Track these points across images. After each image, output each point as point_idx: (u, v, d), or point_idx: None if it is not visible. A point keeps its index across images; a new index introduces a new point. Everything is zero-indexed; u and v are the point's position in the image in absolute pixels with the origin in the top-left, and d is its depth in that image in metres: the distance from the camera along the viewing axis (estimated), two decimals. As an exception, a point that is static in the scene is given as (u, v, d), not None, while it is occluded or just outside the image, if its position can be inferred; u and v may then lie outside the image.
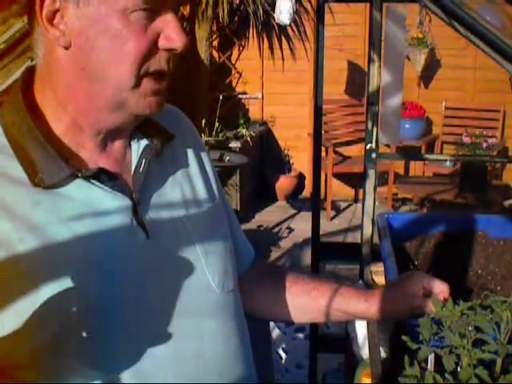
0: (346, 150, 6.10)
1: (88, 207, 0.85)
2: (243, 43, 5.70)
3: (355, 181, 5.89)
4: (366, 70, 1.63)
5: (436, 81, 5.95)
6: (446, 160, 5.09)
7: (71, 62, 0.83)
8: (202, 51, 5.28)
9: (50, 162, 0.83)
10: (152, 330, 0.88)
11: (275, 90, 6.13)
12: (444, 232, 1.48)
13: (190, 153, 1.03)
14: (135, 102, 0.85)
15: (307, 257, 3.05)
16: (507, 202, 4.71)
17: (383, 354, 1.25)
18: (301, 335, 2.56)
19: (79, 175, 0.84)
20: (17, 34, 1.90)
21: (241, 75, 6.22)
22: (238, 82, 6.24)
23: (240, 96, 6.21)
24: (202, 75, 5.42)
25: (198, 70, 5.38)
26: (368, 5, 1.60)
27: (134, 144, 0.94)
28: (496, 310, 0.85)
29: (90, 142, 0.88)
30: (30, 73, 0.89)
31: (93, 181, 0.86)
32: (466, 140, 5.12)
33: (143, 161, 0.92)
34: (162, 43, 0.84)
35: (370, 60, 1.60)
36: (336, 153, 5.96)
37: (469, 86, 5.87)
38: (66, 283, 0.80)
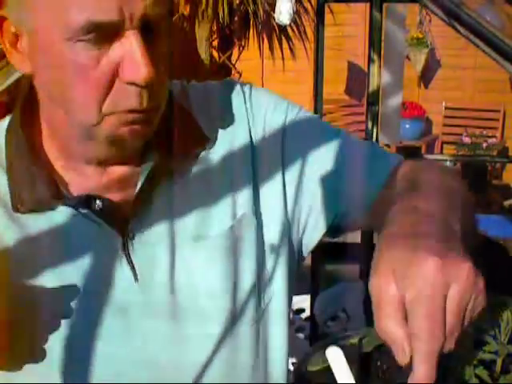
0: (345, 150, 6.10)
1: (67, 236, 0.74)
2: (243, 43, 5.70)
3: (355, 181, 5.88)
4: (366, 70, 1.63)
5: (436, 81, 5.95)
6: (446, 160, 5.07)
7: (39, 88, 0.74)
8: (202, 51, 5.29)
9: (34, 187, 0.74)
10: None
11: (275, 90, 6.08)
12: (444, 232, 1.48)
13: (230, 156, 0.83)
14: (107, 133, 0.70)
15: (307, 257, 3.04)
16: (507, 202, 4.71)
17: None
18: (301, 335, 2.55)
19: (61, 203, 0.74)
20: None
21: (241, 75, 6.21)
22: (238, 82, 6.24)
23: (240, 96, 6.20)
24: (202, 75, 5.42)
25: (198, 70, 5.38)
26: (368, 5, 1.60)
27: (144, 165, 0.76)
28: (496, 310, 0.85)
29: (85, 167, 0.76)
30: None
31: (80, 209, 0.73)
32: (466, 140, 5.12)
33: (146, 186, 0.75)
34: (121, 75, 0.67)
35: (370, 60, 1.60)
36: (336, 153, 5.96)
37: (469, 86, 5.87)
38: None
